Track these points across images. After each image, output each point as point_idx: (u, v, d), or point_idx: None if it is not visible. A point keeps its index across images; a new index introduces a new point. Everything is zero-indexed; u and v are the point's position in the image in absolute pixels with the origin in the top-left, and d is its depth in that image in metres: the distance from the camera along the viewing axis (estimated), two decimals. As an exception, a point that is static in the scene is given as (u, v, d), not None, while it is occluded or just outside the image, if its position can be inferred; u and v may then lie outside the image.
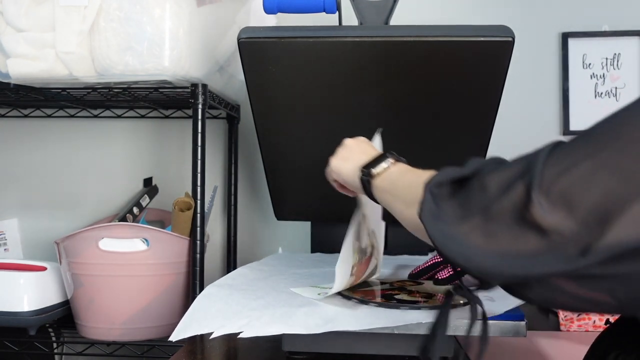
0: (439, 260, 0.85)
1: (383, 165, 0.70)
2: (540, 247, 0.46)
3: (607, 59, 1.45)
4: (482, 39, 0.94)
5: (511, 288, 0.51)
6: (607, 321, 0.65)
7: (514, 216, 0.47)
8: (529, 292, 0.50)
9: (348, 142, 0.79)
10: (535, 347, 0.95)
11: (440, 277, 0.84)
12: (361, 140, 0.80)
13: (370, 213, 0.85)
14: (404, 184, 0.65)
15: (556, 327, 1.08)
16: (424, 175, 0.62)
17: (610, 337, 0.62)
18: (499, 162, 0.54)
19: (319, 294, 0.83)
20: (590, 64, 1.45)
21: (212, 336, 0.71)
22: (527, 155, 0.50)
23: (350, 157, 0.76)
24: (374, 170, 0.70)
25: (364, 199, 0.80)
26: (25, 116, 1.57)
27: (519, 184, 0.48)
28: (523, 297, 0.51)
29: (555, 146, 0.49)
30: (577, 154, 0.47)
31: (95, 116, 1.55)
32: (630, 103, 0.48)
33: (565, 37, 1.46)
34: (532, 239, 0.46)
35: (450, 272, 0.82)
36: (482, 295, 0.83)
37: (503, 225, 0.48)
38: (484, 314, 0.62)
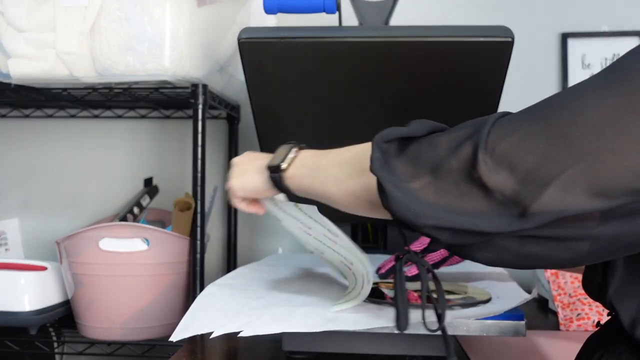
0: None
1: (289, 155, 0.68)
2: (485, 206, 0.48)
3: (606, 59, 1.45)
4: (481, 39, 0.94)
5: (458, 249, 0.52)
6: (598, 323, 0.66)
7: (462, 175, 0.49)
8: (475, 252, 0.51)
9: (236, 159, 0.77)
10: (535, 346, 0.95)
11: (408, 275, 0.84)
12: (248, 152, 0.78)
13: (290, 221, 0.81)
14: (328, 163, 0.64)
15: (555, 326, 1.08)
16: (345, 152, 0.63)
17: (598, 338, 0.62)
18: (443, 127, 0.56)
19: (355, 298, 0.80)
20: (589, 64, 1.46)
21: (212, 336, 0.71)
22: (476, 120, 0.52)
23: (247, 169, 0.74)
24: (283, 164, 0.68)
25: (272, 208, 0.77)
26: (26, 116, 1.57)
27: (467, 144, 0.49)
28: (470, 257, 0.52)
29: (506, 114, 0.51)
30: (523, 120, 0.49)
31: (96, 116, 1.55)
32: (581, 81, 0.50)
33: (564, 37, 1.46)
34: (478, 197, 0.48)
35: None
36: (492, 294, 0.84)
37: (451, 183, 0.49)
38: (434, 275, 0.63)
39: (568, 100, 0.48)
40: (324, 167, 0.64)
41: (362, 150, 0.60)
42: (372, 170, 0.53)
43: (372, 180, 0.55)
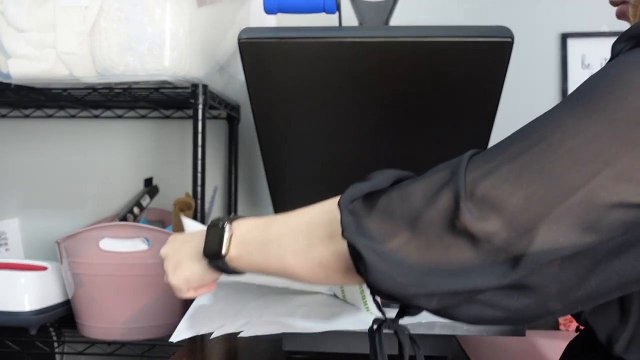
0: None
1: (225, 236, 0.59)
2: (474, 257, 0.43)
3: (606, 59, 1.45)
4: (481, 39, 0.94)
5: (438, 311, 0.46)
6: (577, 328, 0.65)
7: (444, 226, 0.44)
8: (458, 311, 0.45)
9: (163, 251, 0.68)
10: (535, 346, 0.95)
11: None
12: (172, 238, 0.69)
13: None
14: (279, 234, 0.57)
15: (555, 326, 1.08)
16: (298, 218, 0.56)
17: (576, 345, 0.62)
18: (408, 175, 0.51)
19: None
20: (589, 65, 1.46)
21: (213, 336, 0.72)
22: (447, 163, 0.48)
23: (180, 259, 0.65)
24: (222, 249, 0.59)
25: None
26: (26, 116, 1.57)
27: (444, 191, 0.45)
28: (451, 317, 0.47)
29: (477, 152, 0.48)
30: (500, 156, 0.45)
31: (96, 116, 1.55)
32: (551, 108, 0.47)
33: (564, 37, 1.46)
34: (465, 248, 0.43)
35: None
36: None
37: (433, 236, 0.44)
38: (412, 339, 0.58)
39: (544, 132, 0.44)
40: (275, 240, 0.57)
41: (321, 214, 0.54)
42: (345, 237, 0.47)
43: (341, 246, 0.49)
